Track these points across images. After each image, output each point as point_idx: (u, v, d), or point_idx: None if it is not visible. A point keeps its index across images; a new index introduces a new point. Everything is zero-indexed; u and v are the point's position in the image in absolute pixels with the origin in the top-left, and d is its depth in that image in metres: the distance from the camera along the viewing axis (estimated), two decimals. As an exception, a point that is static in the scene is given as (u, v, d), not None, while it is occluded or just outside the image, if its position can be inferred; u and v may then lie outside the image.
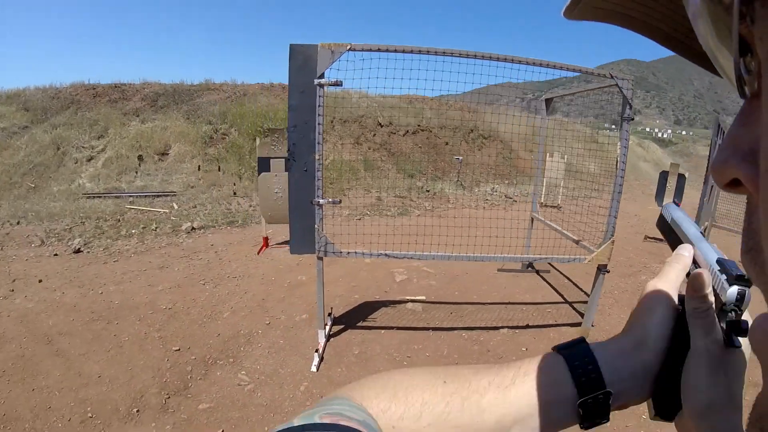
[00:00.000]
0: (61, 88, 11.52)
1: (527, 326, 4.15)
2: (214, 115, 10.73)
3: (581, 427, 0.43)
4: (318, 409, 0.37)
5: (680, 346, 0.42)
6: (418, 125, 12.01)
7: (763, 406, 0.20)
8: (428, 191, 10.20)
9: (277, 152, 5.29)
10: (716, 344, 0.39)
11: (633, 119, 3.61)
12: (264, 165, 5.30)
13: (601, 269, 3.73)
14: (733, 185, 0.19)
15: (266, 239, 5.72)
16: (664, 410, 0.42)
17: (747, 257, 0.19)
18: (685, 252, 0.47)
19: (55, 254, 5.34)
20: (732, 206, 6.96)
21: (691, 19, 0.19)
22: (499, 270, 5.49)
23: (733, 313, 0.38)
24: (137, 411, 2.74)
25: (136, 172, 9.03)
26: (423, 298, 4.61)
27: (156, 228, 6.53)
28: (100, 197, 7.91)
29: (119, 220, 6.88)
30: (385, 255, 3.53)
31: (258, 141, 5.45)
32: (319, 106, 2.96)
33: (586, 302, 4.68)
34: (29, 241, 5.74)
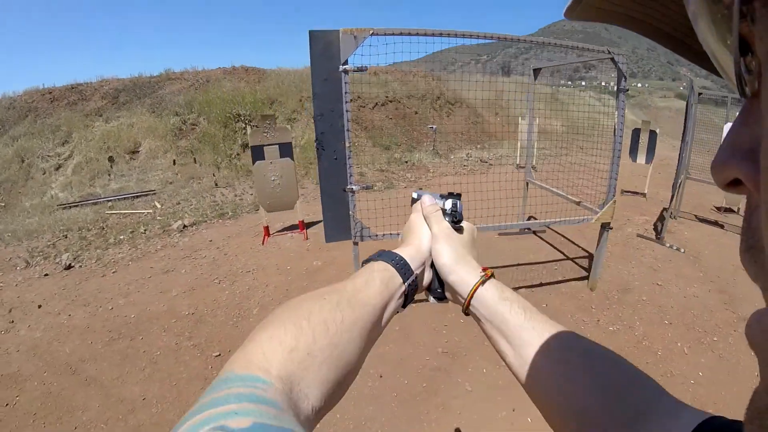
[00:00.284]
0: (15, 96, 10.34)
1: (540, 284, 4.23)
2: (180, 105, 9.91)
3: (402, 307, 0.61)
4: (197, 423, 0.29)
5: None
6: (386, 96, 11.59)
7: (762, 400, 0.19)
8: (407, 162, 9.93)
9: (271, 139, 4.91)
10: (446, 228, 0.66)
11: (628, 90, 3.73)
12: (258, 153, 4.93)
13: (605, 227, 3.92)
14: (734, 185, 0.19)
15: (267, 228, 5.36)
16: (439, 293, 0.66)
17: (747, 255, 0.19)
18: (424, 201, 0.70)
19: (46, 274, 4.78)
20: (706, 158, 7.24)
21: (691, 19, 0.18)
22: (499, 234, 5.53)
23: (451, 213, 0.68)
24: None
25: (110, 175, 8.27)
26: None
27: (145, 230, 6.01)
28: (77, 206, 7.20)
29: (103, 228, 6.28)
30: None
31: (249, 130, 5.00)
32: (345, 93, 2.75)
33: (585, 257, 4.94)
34: (13, 264, 5.13)
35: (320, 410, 0.42)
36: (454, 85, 12.00)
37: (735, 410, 2.16)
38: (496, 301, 0.58)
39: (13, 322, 3.78)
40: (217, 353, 3.13)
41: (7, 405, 2.76)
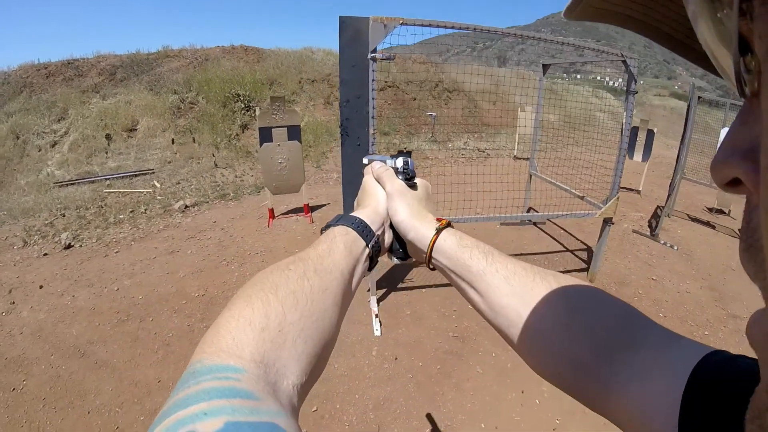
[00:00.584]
0: (9, 71, 9.75)
1: (543, 274, 4.29)
2: (178, 83, 9.54)
3: (369, 269, 0.59)
4: (166, 429, 0.26)
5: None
6: (385, 81, 11.36)
7: (762, 400, 0.19)
8: (405, 148, 9.78)
9: (279, 121, 4.76)
10: (399, 186, 0.65)
11: (636, 93, 3.75)
12: (265, 135, 4.78)
13: (608, 222, 3.93)
14: (733, 184, 0.18)
15: (272, 211, 5.22)
16: (403, 253, 0.67)
17: (746, 255, 0.18)
18: (374, 166, 0.70)
19: (45, 254, 4.57)
20: (698, 159, 7.31)
21: (691, 18, 0.18)
22: (501, 224, 5.54)
23: (403, 171, 0.67)
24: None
25: (107, 153, 7.93)
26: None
27: (146, 210, 5.81)
28: (73, 184, 6.91)
29: (102, 207, 6.05)
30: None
31: (258, 111, 4.82)
32: (372, 80, 2.69)
33: (583, 250, 5.02)
34: (10, 243, 4.89)
35: (302, 386, 0.39)
36: (453, 72, 11.82)
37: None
38: (455, 249, 0.57)
39: (14, 303, 3.60)
40: (231, 337, 3.03)
41: (13, 390, 2.63)
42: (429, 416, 2.45)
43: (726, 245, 5.34)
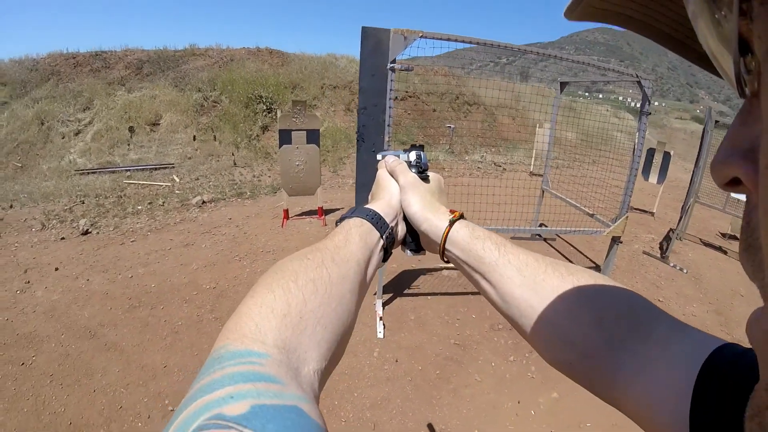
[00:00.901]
0: (38, 59, 10.02)
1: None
2: (203, 82, 9.76)
3: (383, 261, 0.61)
4: (193, 412, 0.27)
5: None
6: (406, 92, 11.46)
7: (762, 399, 0.19)
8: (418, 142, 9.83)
9: (299, 125, 4.86)
10: (412, 179, 0.65)
11: (651, 114, 3.77)
12: (285, 137, 4.88)
13: (616, 240, 3.95)
14: (733, 184, 0.18)
15: (286, 211, 5.30)
16: (416, 245, 0.66)
17: (745, 254, 0.18)
18: (388, 160, 0.70)
19: (62, 238, 4.71)
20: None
21: (691, 18, 0.18)
22: (511, 238, 5.50)
23: (416, 164, 0.68)
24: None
25: (129, 145, 8.15)
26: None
27: (163, 203, 5.94)
28: (94, 173, 7.11)
29: (121, 197, 6.21)
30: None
31: (280, 113, 4.93)
32: (390, 90, 2.78)
33: (592, 267, 4.94)
34: (28, 225, 5.05)
35: (323, 371, 0.40)
36: (474, 85, 11.86)
37: None
38: (468, 241, 0.57)
39: (29, 282, 3.72)
40: (238, 330, 3.09)
41: (23, 364, 2.72)
42: (430, 426, 2.47)
43: (736, 270, 5.25)
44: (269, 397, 0.29)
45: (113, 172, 7.22)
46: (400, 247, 0.68)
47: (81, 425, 2.28)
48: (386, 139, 2.82)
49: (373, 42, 2.68)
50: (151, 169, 7.44)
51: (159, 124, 8.77)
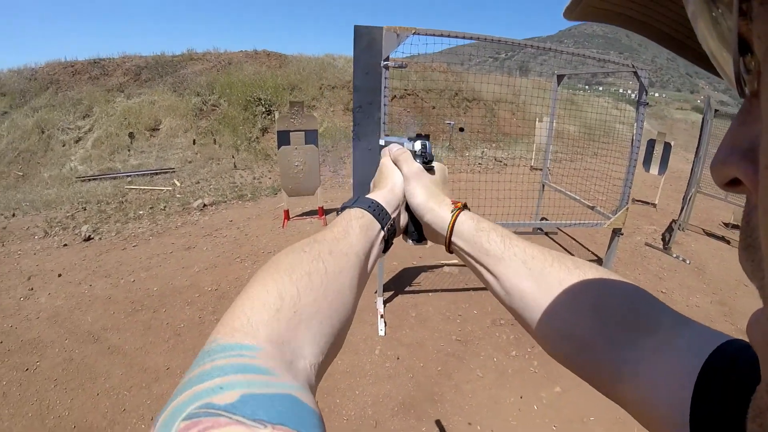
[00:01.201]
0: (37, 68, 10.12)
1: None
2: (201, 86, 9.81)
3: (384, 251, 0.60)
4: (183, 402, 0.27)
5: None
6: (405, 89, 11.46)
7: (763, 399, 0.18)
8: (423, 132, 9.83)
9: (297, 125, 4.87)
10: (417, 168, 0.64)
11: (648, 104, 3.79)
12: (283, 138, 4.89)
13: (617, 232, 3.97)
14: (733, 184, 0.18)
15: (287, 212, 5.31)
16: (418, 235, 0.66)
17: (744, 254, 0.18)
18: (392, 148, 0.69)
19: (65, 244, 4.74)
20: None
21: (691, 19, 0.18)
22: (513, 232, 5.46)
23: (421, 154, 0.67)
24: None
25: (129, 151, 8.20)
26: (456, 261, 4.45)
27: (165, 207, 5.97)
28: (95, 179, 7.16)
29: (122, 202, 6.25)
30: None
31: (277, 115, 4.95)
32: (384, 87, 2.78)
33: (594, 260, 4.84)
34: (31, 233, 5.09)
35: (319, 365, 0.39)
36: (473, 81, 11.86)
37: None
38: (472, 233, 0.57)
39: (32, 289, 3.75)
40: (239, 331, 3.11)
41: (27, 370, 2.74)
42: (438, 422, 2.47)
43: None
44: (259, 386, 0.29)
45: (114, 178, 7.26)
46: (401, 236, 0.68)
47: (85, 428, 2.30)
48: (382, 136, 2.84)
49: (366, 40, 2.69)
50: (151, 174, 7.48)
51: (159, 130, 8.81)
